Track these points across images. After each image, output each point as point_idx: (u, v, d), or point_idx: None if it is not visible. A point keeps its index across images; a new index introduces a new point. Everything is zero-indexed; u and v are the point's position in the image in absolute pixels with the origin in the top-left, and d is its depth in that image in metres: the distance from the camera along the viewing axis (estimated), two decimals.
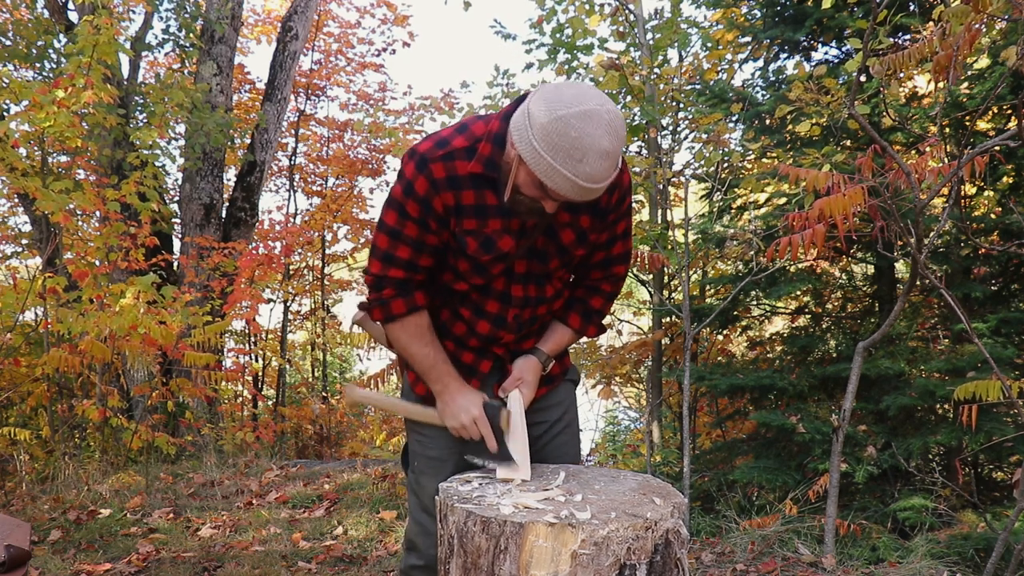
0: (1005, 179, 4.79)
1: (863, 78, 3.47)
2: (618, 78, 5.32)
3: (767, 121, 5.13)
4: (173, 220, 7.94)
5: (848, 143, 4.76)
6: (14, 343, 5.62)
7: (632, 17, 6.29)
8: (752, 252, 4.48)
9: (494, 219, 1.64)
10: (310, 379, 11.48)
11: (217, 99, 7.62)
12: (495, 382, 1.83)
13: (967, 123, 4.48)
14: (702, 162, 5.97)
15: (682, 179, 6.11)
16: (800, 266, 5.14)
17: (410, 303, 1.72)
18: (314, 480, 4.96)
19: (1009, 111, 4.56)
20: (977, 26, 2.80)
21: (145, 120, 7.06)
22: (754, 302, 5.58)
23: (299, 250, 9.90)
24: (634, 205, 6.59)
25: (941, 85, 3.91)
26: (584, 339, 7.46)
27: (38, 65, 6.92)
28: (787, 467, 4.44)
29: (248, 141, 8.18)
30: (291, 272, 10.19)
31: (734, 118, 5.40)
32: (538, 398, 1.85)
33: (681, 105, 6.26)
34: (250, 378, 8.60)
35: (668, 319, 6.26)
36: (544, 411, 1.89)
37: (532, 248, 1.69)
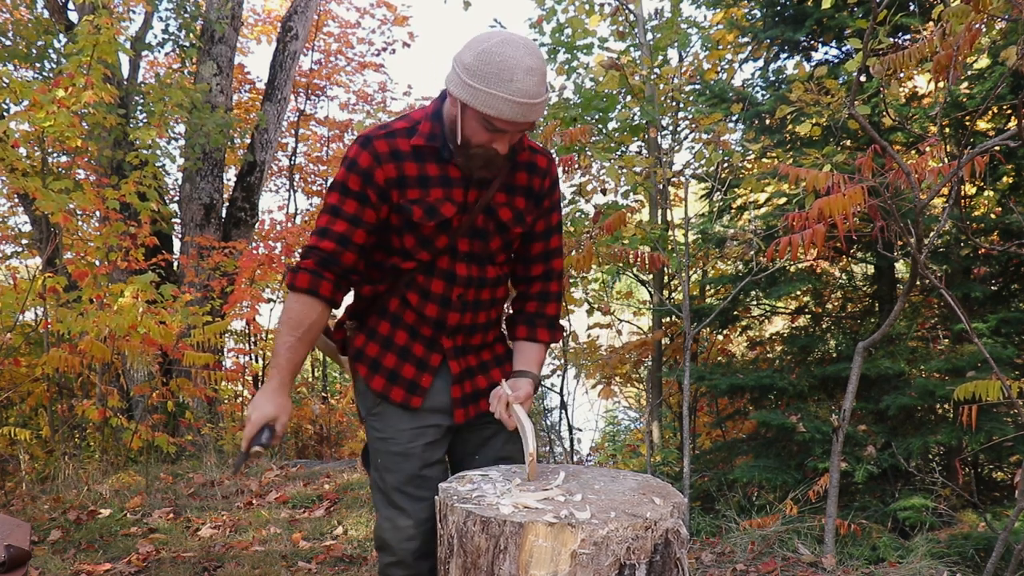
0: (1005, 179, 4.79)
1: (863, 78, 3.47)
2: (618, 78, 5.32)
3: (767, 121, 5.13)
4: (173, 220, 7.93)
5: (848, 143, 4.75)
6: (14, 343, 5.61)
7: (632, 17, 6.29)
8: (752, 252, 4.48)
9: (436, 188, 1.76)
10: (310, 379, 11.47)
11: (217, 99, 7.62)
12: (451, 382, 1.86)
13: (967, 123, 4.48)
14: (702, 162, 5.96)
15: (682, 179, 6.10)
16: (800, 266, 5.13)
17: (314, 283, 1.76)
18: (314, 480, 4.96)
19: (1009, 111, 4.56)
20: (977, 26, 2.80)
21: (145, 120, 7.06)
22: (754, 302, 5.58)
23: (299, 250, 9.88)
24: (634, 204, 6.60)
25: (941, 85, 3.91)
26: (578, 343, 7.49)
27: (38, 65, 6.91)
28: (787, 467, 4.44)
29: (248, 141, 8.17)
30: None
31: (734, 118, 5.40)
32: None
33: (681, 105, 6.26)
34: (250, 378, 8.59)
35: (668, 319, 6.25)
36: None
37: (473, 228, 1.80)
